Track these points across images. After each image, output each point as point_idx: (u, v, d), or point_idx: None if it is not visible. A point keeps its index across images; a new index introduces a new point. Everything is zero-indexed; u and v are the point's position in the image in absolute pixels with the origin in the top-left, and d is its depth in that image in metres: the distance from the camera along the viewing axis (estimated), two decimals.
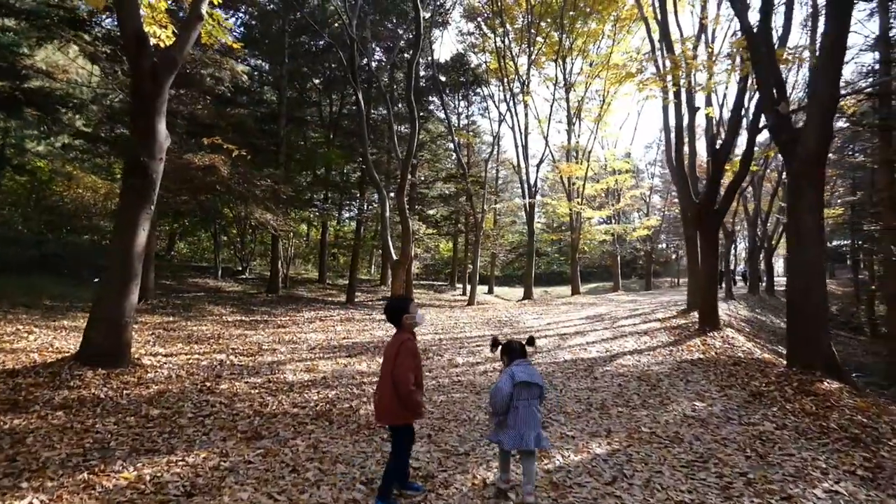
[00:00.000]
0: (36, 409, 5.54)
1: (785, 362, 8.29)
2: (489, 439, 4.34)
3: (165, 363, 8.05)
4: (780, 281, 37.42)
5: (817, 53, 7.76)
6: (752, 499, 3.81)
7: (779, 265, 50.95)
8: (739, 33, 12.30)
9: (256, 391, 6.92)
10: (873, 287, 22.63)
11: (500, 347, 4.21)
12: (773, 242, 32.86)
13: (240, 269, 26.71)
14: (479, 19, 30.70)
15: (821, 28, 9.72)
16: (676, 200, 45.43)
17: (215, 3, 9.03)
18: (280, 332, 12.78)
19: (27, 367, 6.91)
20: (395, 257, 18.43)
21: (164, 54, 7.69)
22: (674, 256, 55.17)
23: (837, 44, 7.56)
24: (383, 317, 16.89)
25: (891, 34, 16.42)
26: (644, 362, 9.44)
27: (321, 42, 24.89)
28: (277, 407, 6.25)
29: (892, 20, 16.05)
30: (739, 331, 14.14)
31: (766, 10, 8.52)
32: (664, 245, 52.03)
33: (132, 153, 7.56)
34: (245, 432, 5.31)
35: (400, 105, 27.38)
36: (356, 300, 22.81)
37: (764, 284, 31.80)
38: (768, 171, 30.32)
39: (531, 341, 4.32)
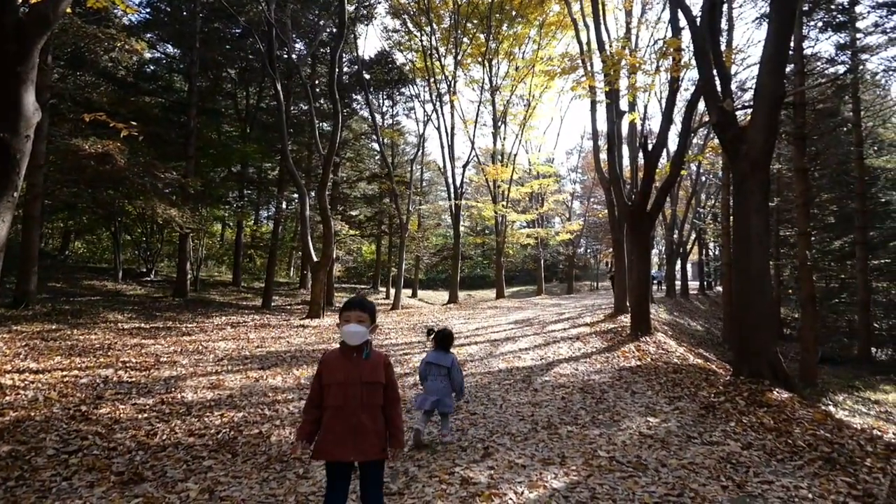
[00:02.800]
0: None
1: (730, 369, 8.00)
2: (416, 403, 5.40)
3: (33, 382, 6.70)
4: (693, 285, 38.99)
5: (763, 46, 7.48)
6: None
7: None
8: (670, 34, 12.22)
9: (144, 416, 5.77)
10: (790, 291, 23.64)
11: (430, 336, 5.65)
12: (688, 247, 33.98)
13: (144, 270, 24.49)
14: (404, 16, 29.94)
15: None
16: (597, 206, 46.69)
17: None
18: (184, 340, 11.41)
19: None
20: (315, 259, 17.27)
21: (34, 10, 6.36)
22: (592, 261, 56.54)
23: (782, 37, 7.34)
24: (303, 322, 15.78)
25: (804, 45, 17.10)
26: (582, 370, 8.93)
27: (237, 29, 23.27)
28: (169, 436, 5.16)
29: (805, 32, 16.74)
30: (665, 335, 14.07)
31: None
32: (583, 249, 53.12)
33: None
34: (121, 474, 4.22)
35: (322, 101, 26.08)
36: (273, 304, 21.40)
37: (679, 288, 32.77)
38: (683, 178, 31.29)
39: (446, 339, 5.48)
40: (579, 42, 18.75)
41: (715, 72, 8.25)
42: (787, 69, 17.05)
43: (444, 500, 3.87)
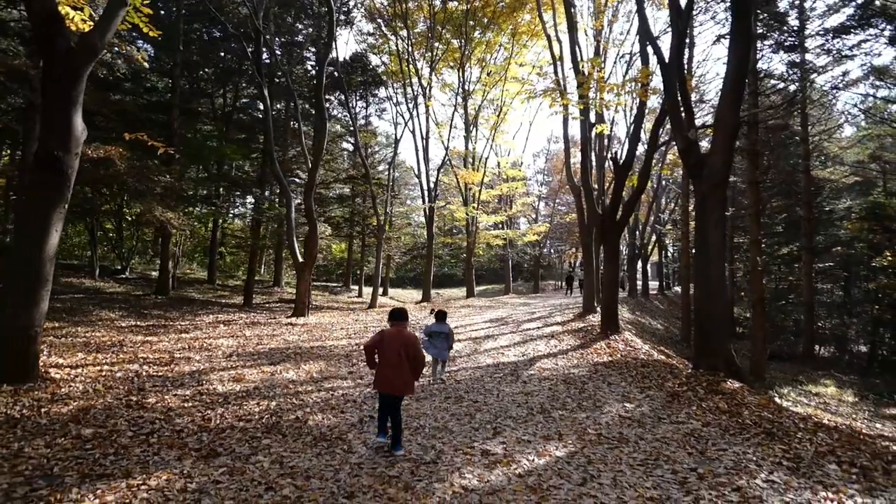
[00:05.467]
0: None
1: (689, 364, 9.18)
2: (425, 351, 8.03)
3: (76, 376, 7.38)
4: (652, 285, 40.77)
5: (722, 83, 8.66)
6: (709, 491, 4.27)
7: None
8: (636, 48, 13.40)
9: (190, 404, 6.55)
10: (742, 293, 25.38)
11: (433, 313, 9.24)
12: (649, 249, 35.63)
13: (119, 268, 24.63)
14: (379, 20, 30.63)
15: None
16: (561, 207, 48.24)
17: None
18: (185, 337, 12.06)
19: None
20: (301, 260, 17.95)
21: (83, 39, 7.04)
22: (556, 261, 58.18)
23: (739, 78, 8.52)
24: (290, 320, 16.34)
25: (758, 66, 18.58)
26: (562, 365, 10.00)
27: (214, 30, 23.69)
28: (221, 421, 5.96)
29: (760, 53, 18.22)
30: (631, 333, 15.29)
31: (679, 45, 9.39)
32: (547, 249, 54.64)
33: (43, 146, 6.84)
34: (198, 450, 5.04)
35: (296, 102, 26.58)
36: (253, 302, 21.92)
37: (640, 288, 34.34)
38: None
39: (443, 315, 8.89)
40: (552, 55, 19.89)
41: (681, 102, 9.40)
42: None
43: (473, 466, 4.83)
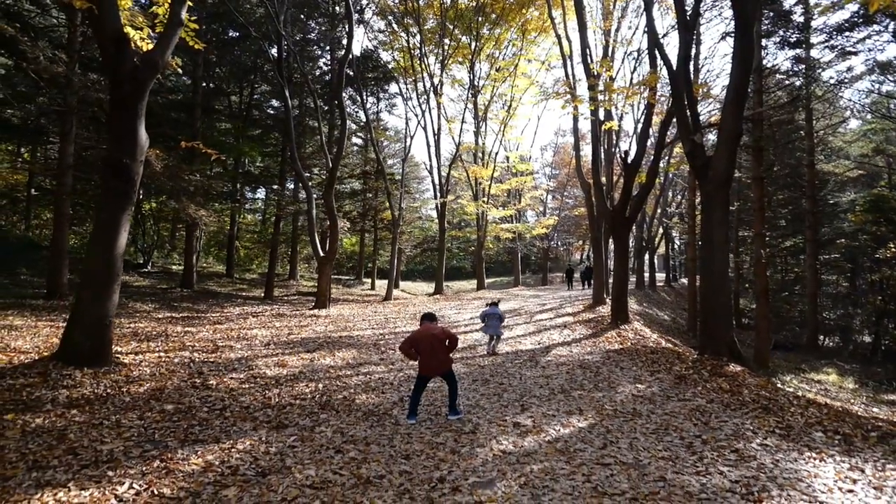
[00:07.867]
0: (48, 409, 5.71)
1: (695, 351, 9.92)
2: (481, 331, 11.47)
3: (140, 361, 8.17)
4: (659, 276, 41.40)
5: (725, 94, 9.33)
6: (711, 452, 5.01)
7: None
8: (644, 45, 14.04)
9: (248, 386, 7.34)
10: (748, 285, 26.01)
11: (490, 302, 11.10)
12: (656, 241, 36.22)
13: (141, 262, 25.49)
14: (390, 17, 31.21)
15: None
16: (569, 200, 48.82)
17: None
18: (221, 328, 12.85)
19: (7, 368, 6.88)
20: (322, 254, 18.72)
21: (146, 57, 7.79)
22: (564, 253, 58.81)
23: (741, 89, 9.19)
24: (314, 312, 17.06)
25: (763, 63, 19.13)
26: (576, 352, 10.74)
27: (230, 29, 24.44)
28: (280, 399, 6.75)
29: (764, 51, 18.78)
30: (639, 323, 16.00)
31: (685, 56, 10.06)
32: (555, 242, 55.23)
33: (111, 155, 7.60)
34: (268, 422, 5.82)
35: (316, 101, 27.34)
36: (273, 295, 22.73)
37: (647, 280, 34.99)
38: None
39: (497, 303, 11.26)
40: (562, 53, 20.44)
41: (687, 107, 10.06)
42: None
43: (507, 435, 5.59)
